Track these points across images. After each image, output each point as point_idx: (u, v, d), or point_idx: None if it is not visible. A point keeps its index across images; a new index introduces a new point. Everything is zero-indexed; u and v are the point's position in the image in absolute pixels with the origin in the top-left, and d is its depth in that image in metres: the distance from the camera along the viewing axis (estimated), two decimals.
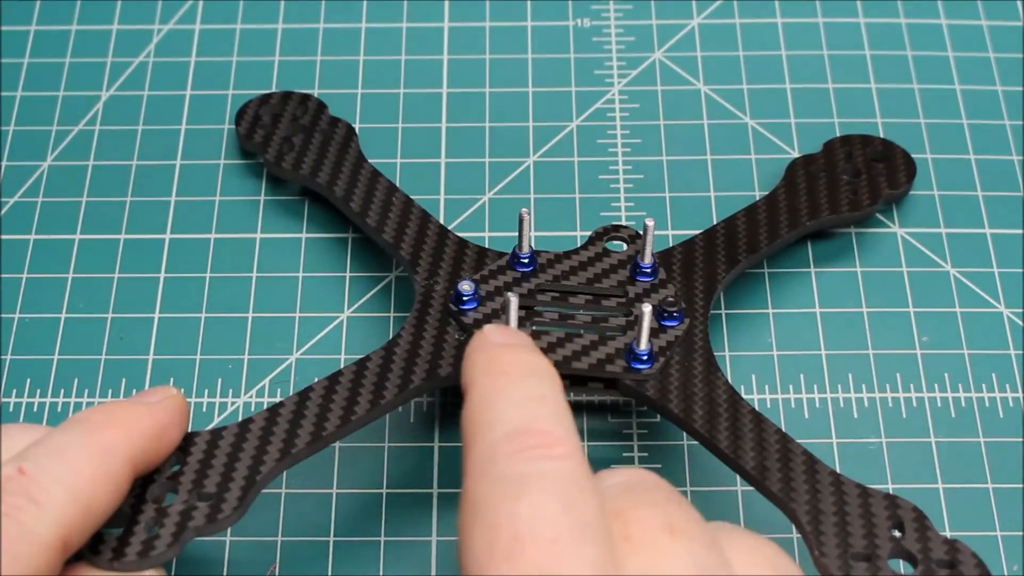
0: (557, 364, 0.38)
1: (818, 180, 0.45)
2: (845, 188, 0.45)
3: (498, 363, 0.33)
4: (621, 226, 0.42)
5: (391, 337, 0.40)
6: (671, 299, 0.40)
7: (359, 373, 0.38)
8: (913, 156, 0.47)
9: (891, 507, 0.36)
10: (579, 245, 0.42)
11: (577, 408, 0.42)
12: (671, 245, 0.42)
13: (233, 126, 0.48)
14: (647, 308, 0.37)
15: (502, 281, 0.41)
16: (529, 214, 0.40)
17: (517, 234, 0.41)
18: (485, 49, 0.51)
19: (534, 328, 0.39)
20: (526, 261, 0.41)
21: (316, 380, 0.38)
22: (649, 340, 0.38)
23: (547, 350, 0.39)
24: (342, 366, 0.41)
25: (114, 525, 0.34)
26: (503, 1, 0.52)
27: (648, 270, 0.41)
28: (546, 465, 0.30)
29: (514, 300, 0.37)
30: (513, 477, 0.30)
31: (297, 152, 0.45)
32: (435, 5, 0.52)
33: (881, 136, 0.47)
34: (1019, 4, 0.52)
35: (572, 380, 0.39)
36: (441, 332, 0.39)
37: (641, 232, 0.41)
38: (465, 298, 0.40)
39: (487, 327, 0.35)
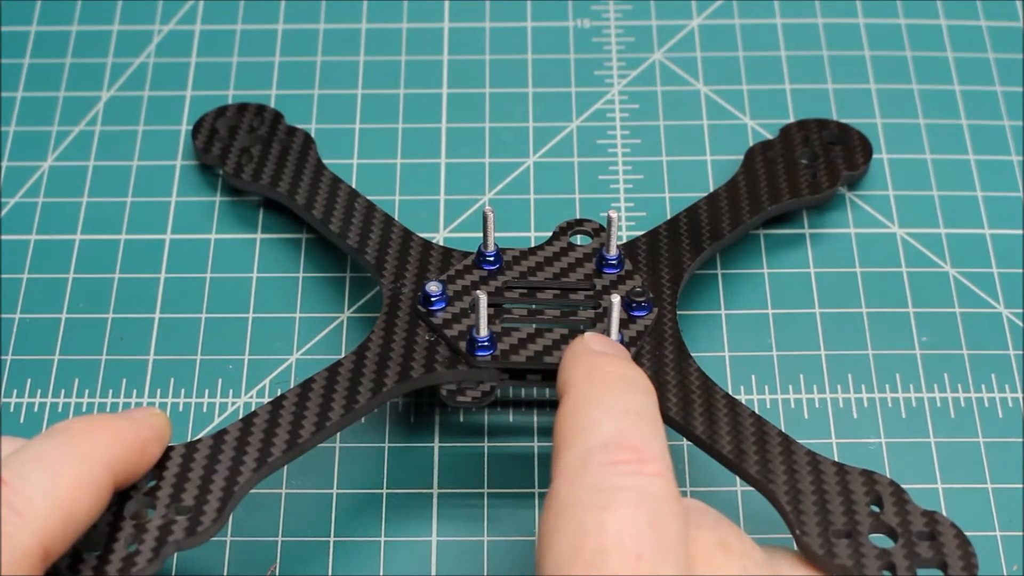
0: (528, 359, 0.38)
1: (776, 165, 0.45)
2: (804, 172, 0.45)
3: (599, 371, 0.34)
4: (584, 220, 0.42)
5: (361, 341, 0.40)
6: (638, 289, 0.40)
7: (331, 379, 0.38)
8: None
9: (868, 483, 0.36)
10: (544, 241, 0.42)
11: None
12: (635, 237, 0.42)
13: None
14: (615, 299, 0.37)
15: (469, 280, 0.41)
16: (493, 212, 0.40)
17: (482, 233, 0.41)
18: (485, 49, 0.51)
19: (504, 325, 0.39)
20: (492, 259, 0.41)
21: (290, 387, 0.38)
22: (619, 331, 0.39)
23: (517, 346, 0.39)
24: None
25: (93, 544, 0.34)
26: (503, 1, 0.52)
27: (614, 262, 0.41)
28: (638, 481, 0.31)
29: (483, 298, 0.37)
30: (604, 488, 0.31)
31: (256, 163, 0.45)
32: (435, 5, 0.52)
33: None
34: (1019, 4, 0.52)
35: (544, 375, 0.39)
36: (411, 334, 0.39)
37: (605, 225, 0.41)
38: (433, 299, 0.40)
39: (587, 334, 0.36)
